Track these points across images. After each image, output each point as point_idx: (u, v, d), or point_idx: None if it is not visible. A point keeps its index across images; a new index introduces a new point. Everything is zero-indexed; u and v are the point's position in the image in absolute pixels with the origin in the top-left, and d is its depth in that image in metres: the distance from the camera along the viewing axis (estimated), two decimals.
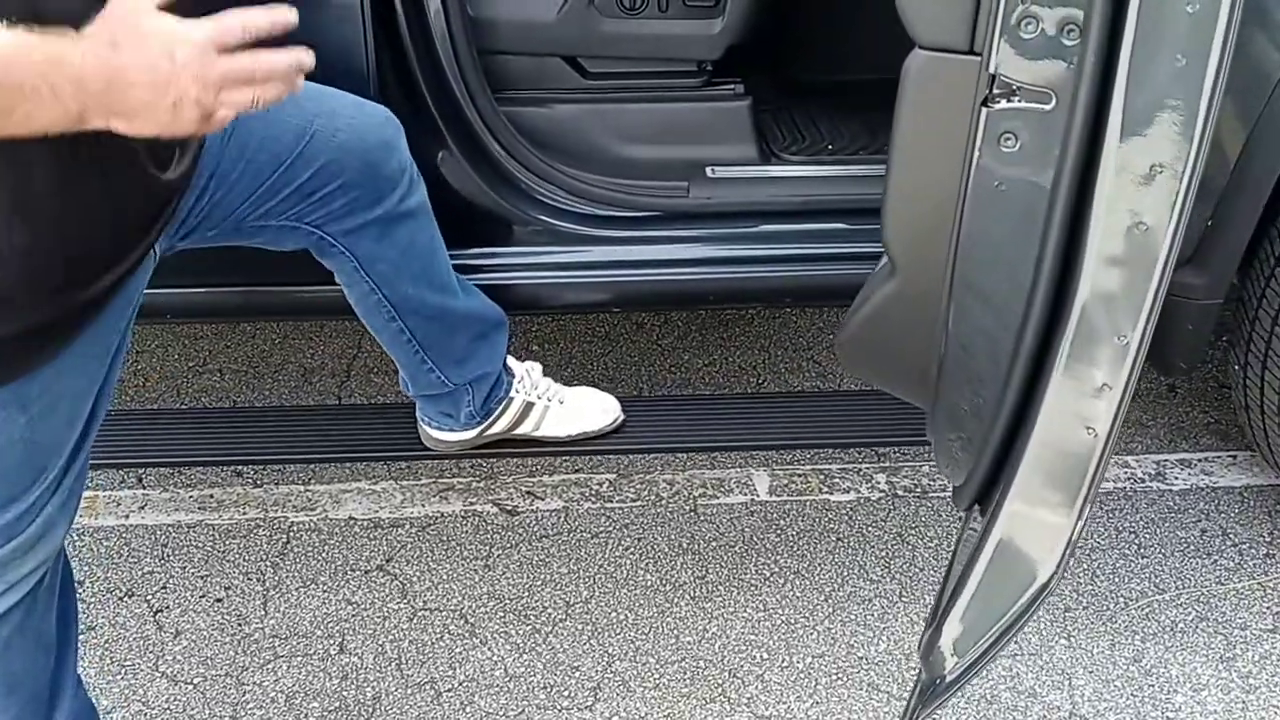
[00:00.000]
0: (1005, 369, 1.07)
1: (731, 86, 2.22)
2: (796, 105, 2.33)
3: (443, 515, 2.22)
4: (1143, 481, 2.34)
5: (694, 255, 2.05)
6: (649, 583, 2.08)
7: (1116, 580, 2.11)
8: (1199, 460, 2.39)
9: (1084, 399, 1.02)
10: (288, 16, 1.08)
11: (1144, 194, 0.94)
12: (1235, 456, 2.38)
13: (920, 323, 1.15)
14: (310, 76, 1.77)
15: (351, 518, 2.20)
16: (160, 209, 1.34)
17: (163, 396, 2.51)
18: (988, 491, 1.16)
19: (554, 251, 2.03)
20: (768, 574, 2.10)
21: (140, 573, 2.08)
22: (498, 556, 2.12)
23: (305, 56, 1.10)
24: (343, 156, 1.59)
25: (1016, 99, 0.98)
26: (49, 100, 0.95)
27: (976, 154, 1.01)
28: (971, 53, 1.02)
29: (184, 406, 2.48)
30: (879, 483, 2.31)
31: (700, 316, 2.77)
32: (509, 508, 2.24)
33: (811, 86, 2.39)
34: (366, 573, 2.08)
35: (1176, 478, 2.35)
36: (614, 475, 2.32)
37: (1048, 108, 0.96)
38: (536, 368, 2.22)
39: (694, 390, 2.55)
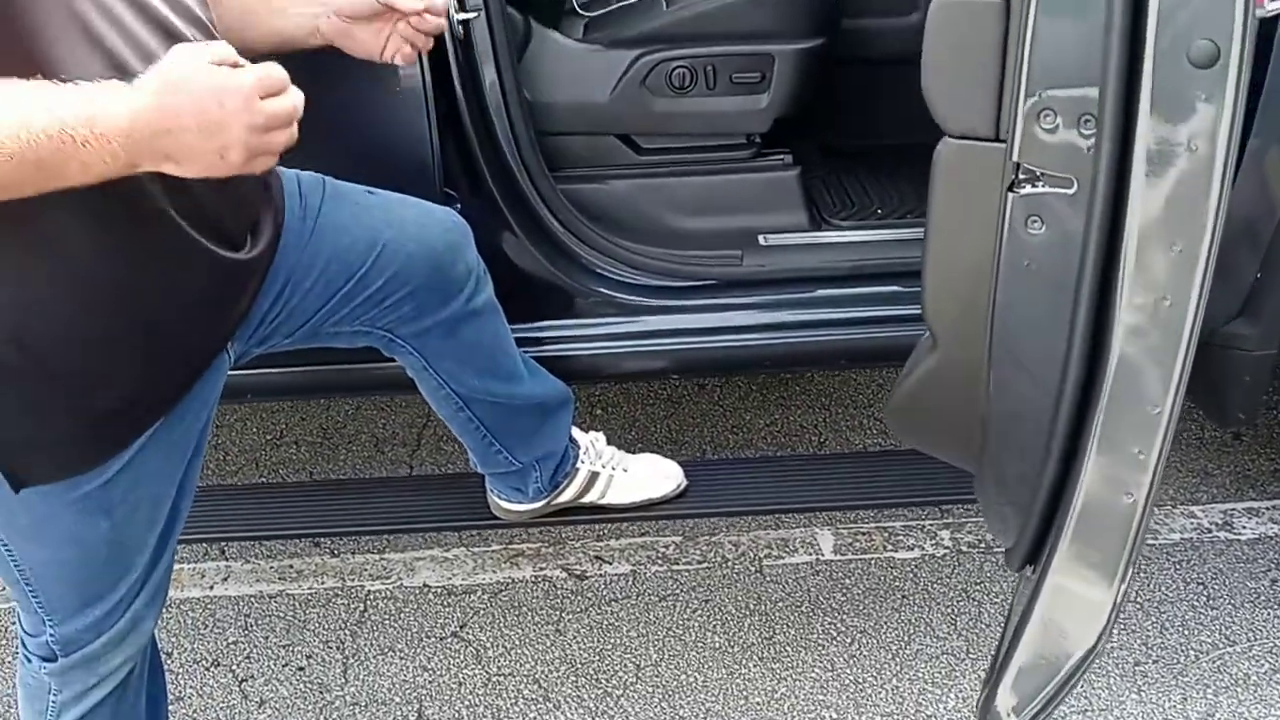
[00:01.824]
0: (1046, 436, 1.13)
1: (781, 157, 2.31)
2: (845, 171, 2.41)
3: (513, 581, 2.30)
4: (1210, 531, 2.35)
5: (750, 321, 2.13)
6: (717, 644, 2.14)
7: (1186, 633, 2.12)
8: (1267, 508, 2.40)
9: (1121, 466, 1.08)
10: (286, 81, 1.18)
11: (1166, 272, 1.00)
12: None
13: (963, 393, 1.22)
14: (379, 161, 1.90)
15: (425, 585, 2.28)
16: (235, 294, 1.43)
17: (242, 469, 2.63)
18: (1036, 553, 1.22)
19: (614, 322, 2.12)
20: (834, 633, 2.15)
21: (225, 643, 2.18)
22: (568, 621, 2.19)
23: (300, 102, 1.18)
24: (412, 264, 1.68)
25: (1040, 184, 1.05)
26: (99, 149, 1.05)
27: (1005, 235, 1.08)
28: (997, 140, 1.10)
29: (263, 480, 2.59)
30: (943, 539, 2.35)
31: (761, 377, 2.83)
32: (578, 572, 2.31)
33: (859, 152, 2.46)
34: (442, 639, 2.17)
35: (1244, 526, 2.36)
36: (680, 538, 2.38)
37: (1070, 192, 1.03)
38: (600, 438, 2.30)
39: (756, 450, 2.61)
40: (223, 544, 2.40)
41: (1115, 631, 2.09)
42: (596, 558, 2.34)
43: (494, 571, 2.32)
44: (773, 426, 2.70)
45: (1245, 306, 1.99)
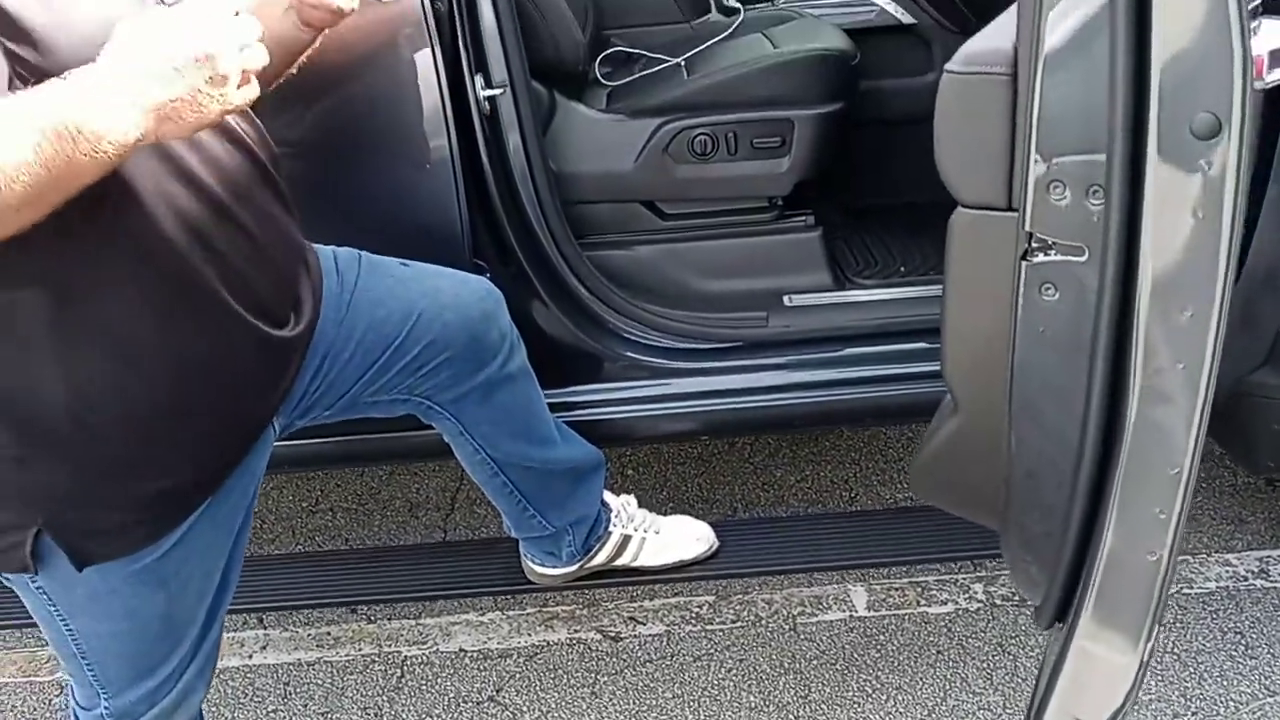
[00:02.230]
0: (1068, 497, 1.15)
1: (803, 218, 2.35)
2: (867, 230, 2.45)
3: (548, 644, 2.32)
4: (1246, 579, 2.35)
5: (777, 382, 2.16)
6: (752, 704, 2.15)
7: (1225, 683, 2.12)
8: None
9: (1143, 526, 1.10)
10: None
11: (1179, 336, 1.03)
12: None
13: (985, 454, 1.24)
14: (411, 234, 1.96)
15: (461, 649, 2.31)
16: (280, 370, 1.48)
17: (279, 538, 2.67)
18: (1064, 611, 1.24)
19: (642, 385, 2.16)
20: (870, 690, 2.16)
21: (265, 711, 2.22)
22: (604, 683, 2.21)
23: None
24: (447, 332, 1.73)
25: (1052, 253, 1.08)
26: (105, 109, 1.06)
27: (1021, 302, 1.12)
28: (1009, 209, 1.13)
29: (300, 548, 2.63)
30: (976, 593, 2.36)
31: (790, 439, 2.86)
32: (612, 634, 2.33)
33: (881, 211, 2.50)
34: (478, 704, 2.19)
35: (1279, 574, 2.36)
36: (713, 597, 2.40)
37: (1082, 260, 1.07)
38: (632, 501, 2.34)
39: (788, 508, 2.63)
40: (261, 613, 2.44)
41: (1152, 683, 2.09)
42: (630, 619, 2.36)
43: (529, 635, 2.34)
44: (804, 483, 2.72)
45: (1270, 355, 2.01)
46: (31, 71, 1.07)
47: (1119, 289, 1.04)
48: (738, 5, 2.67)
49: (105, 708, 1.45)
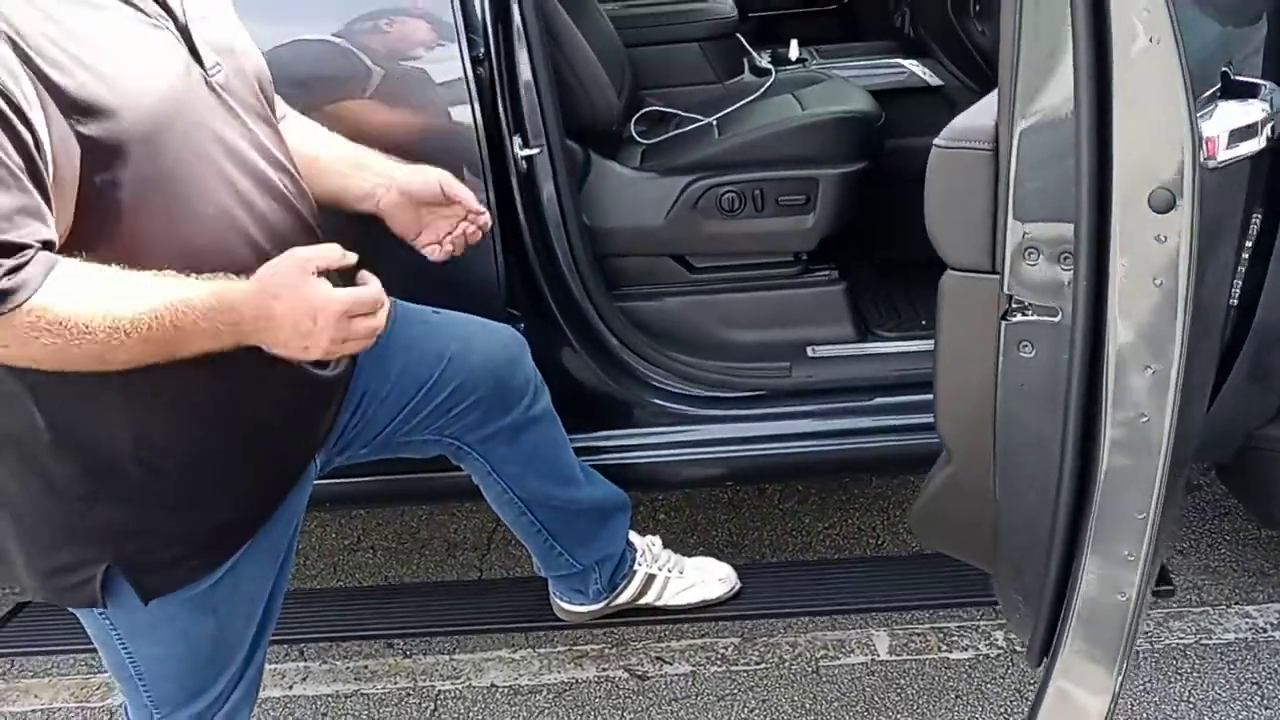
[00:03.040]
0: (1047, 541, 1.26)
1: (827, 272, 2.47)
2: (890, 284, 2.56)
3: (578, 681, 2.42)
4: (1264, 631, 2.41)
5: (800, 430, 2.27)
6: None
7: None
8: None
9: (1114, 567, 1.20)
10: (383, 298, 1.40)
11: (1142, 391, 1.14)
12: None
13: (975, 500, 1.35)
14: (449, 285, 2.10)
15: (493, 685, 2.42)
16: (323, 408, 1.62)
17: (321, 574, 2.81)
18: (1049, 648, 1.33)
19: (669, 432, 2.27)
20: None
21: None
22: None
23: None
24: (475, 375, 1.87)
25: (1029, 314, 1.19)
26: (212, 335, 1.30)
27: (1002, 359, 1.23)
28: (993, 272, 1.25)
29: (341, 584, 2.76)
30: (997, 640, 2.43)
31: (818, 486, 2.95)
32: (639, 673, 2.43)
33: (904, 265, 2.61)
34: None
35: None
36: (738, 639, 2.49)
37: (1055, 320, 1.18)
38: (657, 541, 2.45)
39: (814, 553, 2.73)
40: (302, 645, 2.56)
41: None
42: (658, 658, 2.46)
43: (559, 672, 2.45)
44: (831, 530, 2.81)
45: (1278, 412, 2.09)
46: (96, 146, 1.23)
47: (1088, 347, 1.15)
48: (769, 67, 2.81)
49: None
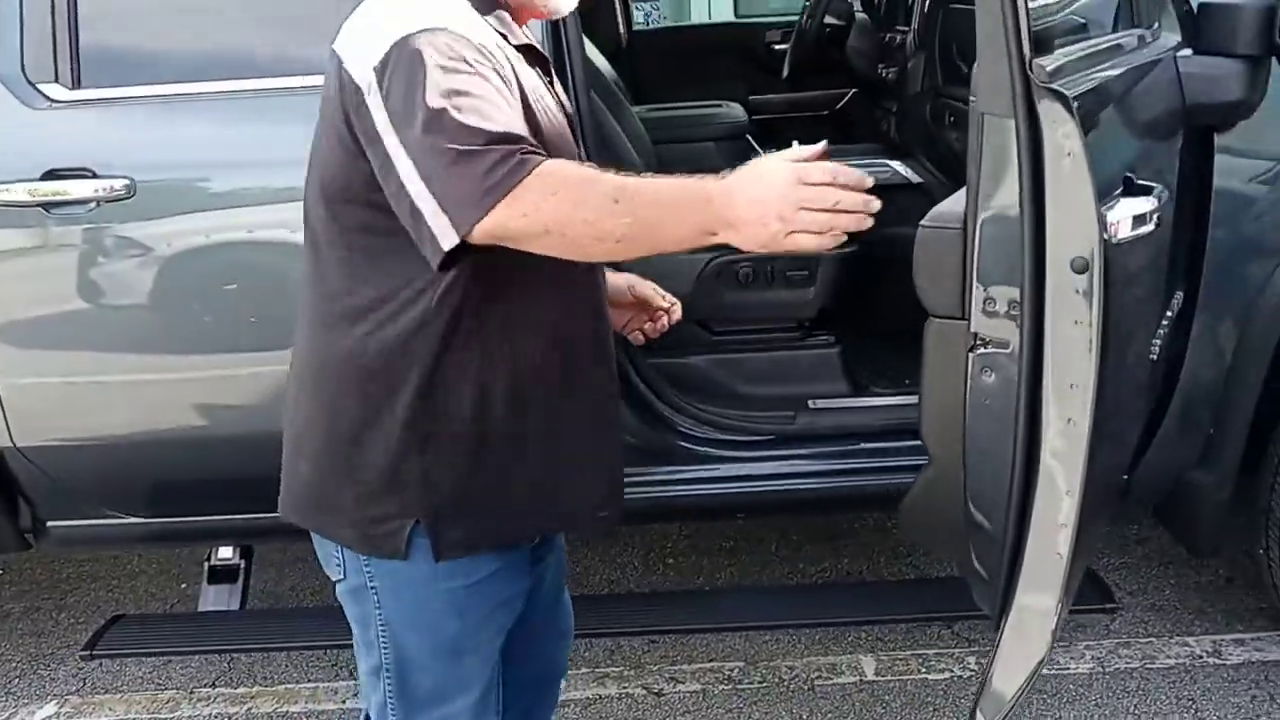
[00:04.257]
0: (1004, 520, 1.79)
1: (826, 337, 3.05)
2: (878, 348, 3.12)
3: (601, 697, 2.91)
4: (1201, 658, 2.93)
5: (802, 470, 2.80)
6: None
7: None
8: (1252, 639, 2.99)
9: (1052, 533, 1.74)
10: (866, 180, 1.48)
11: (1070, 401, 1.69)
12: None
13: (950, 494, 1.89)
14: None
15: None
16: (601, 469, 1.80)
17: None
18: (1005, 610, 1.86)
19: (693, 470, 2.79)
20: None
21: None
22: None
23: (874, 203, 1.49)
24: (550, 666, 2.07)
25: (989, 347, 1.74)
26: (689, 209, 1.46)
27: (969, 382, 1.78)
28: (963, 318, 1.80)
29: None
30: (970, 664, 2.94)
31: (812, 532, 3.48)
32: (655, 690, 2.92)
33: (889, 333, 3.17)
34: None
35: (1231, 654, 2.94)
36: (743, 662, 3.00)
37: (1008, 351, 1.73)
38: None
39: None
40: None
41: None
42: (672, 678, 2.96)
43: (584, 690, 2.93)
44: (823, 573, 3.35)
45: (1203, 457, 2.65)
46: None
47: (1031, 372, 1.70)
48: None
49: None
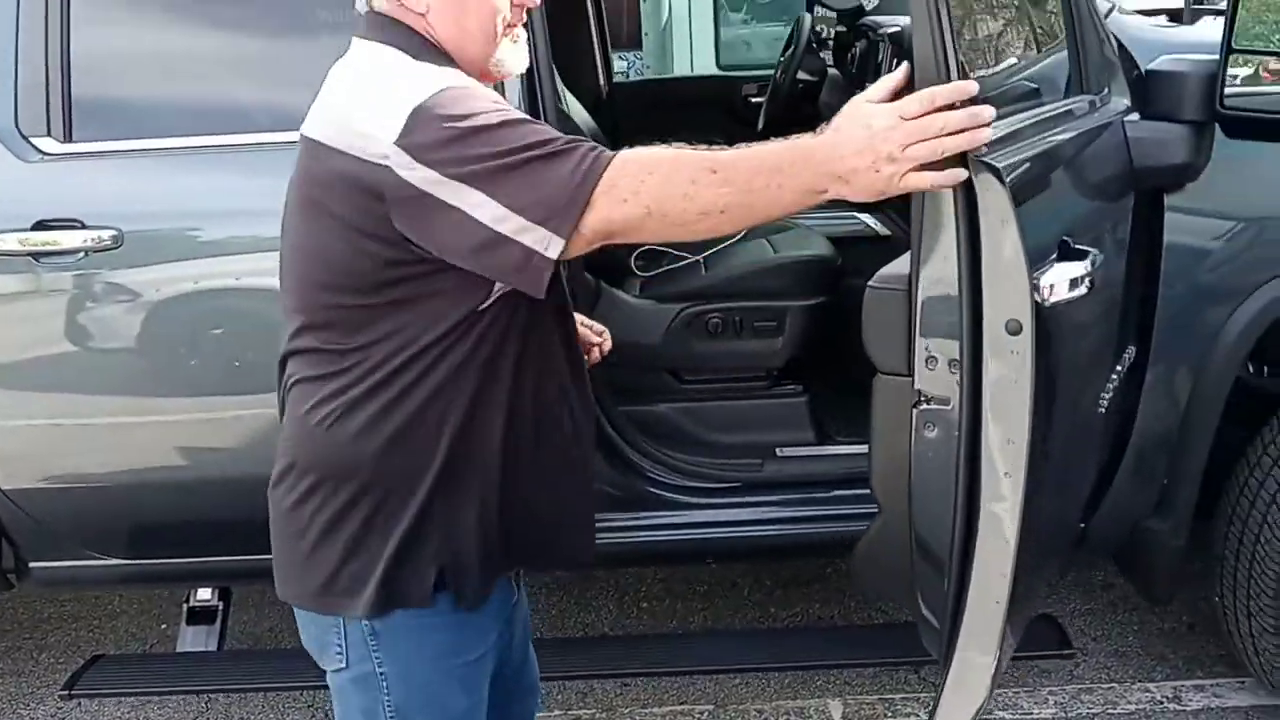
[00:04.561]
0: (947, 570, 1.90)
1: (793, 387, 3.16)
2: (845, 398, 3.23)
3: None
4: (1161, 704, 3.04)
5: (769, 516, 2.90)
6: None
7: None
8: (1211, 685, 3.09)
9: (992, 583, 1.84)
10: (968, 87, 1.53)
11: (1006, 456, 1.80)
12: (1244, 682, 3.07)
13: (898, 542, 2.00)
14: None
15: None
16: (571, 526, 1.86)
17: None
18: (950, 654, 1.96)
19: (662, 515, 2.89)
20: None
21: None
22: None
23: (984, 111, 1.51)
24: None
25: (931, 403, 1.86)
26: (790, 166, 1.49)
27: (913, 436, 1.89)
28: (909, 374, 1.91)
29: None
30: None
31: (784, 577, 3.59)
32: None
33: (856, 383, 3.28)
34: None
35: (1191, 699, 3.05)
36: (712, 705, 3.10)
37: (949, 408, 1.84)
38: None
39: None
40: None
41: None
42: None
43: None
44: (794, 618, 3.46)
45: (1158, 505, 2.76)
46: None
47: (971, 427, 1.81)
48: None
49: None
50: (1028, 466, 1.79)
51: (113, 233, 2.57)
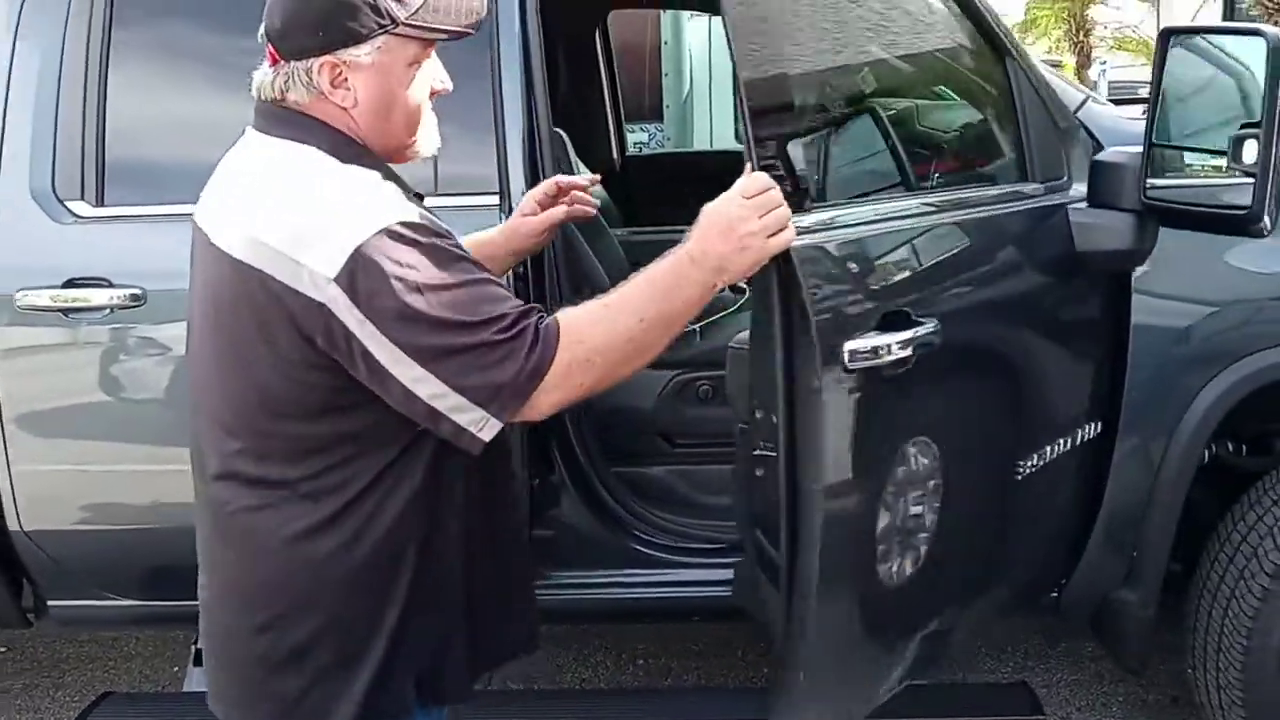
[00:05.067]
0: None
1: None
2: None
3: None
4: None
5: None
6: None
7: None
8: None
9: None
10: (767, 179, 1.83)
11: (813, 500, 2.25)
12: None
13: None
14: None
15: None
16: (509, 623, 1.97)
17: None
18: None
19: (648, 573, 3.14)
20: None
21: None
22: None
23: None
24: None
25: (763, 449, 2.37)
26: (692, 279, 1.68)
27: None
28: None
29: None
30: None
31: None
32: None
33: None
34: None
35: None
36: None
37: (771, 454, 2.33)
38: None
39: None
40: None
41: None
42: None
43: None
44: None
45: (1128, 577, 2.90)
46: None
47: (789, 470, 2.25)
48: (744, 286, 3.73)
49: None
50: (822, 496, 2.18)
51: (135, 291, 2.84)
